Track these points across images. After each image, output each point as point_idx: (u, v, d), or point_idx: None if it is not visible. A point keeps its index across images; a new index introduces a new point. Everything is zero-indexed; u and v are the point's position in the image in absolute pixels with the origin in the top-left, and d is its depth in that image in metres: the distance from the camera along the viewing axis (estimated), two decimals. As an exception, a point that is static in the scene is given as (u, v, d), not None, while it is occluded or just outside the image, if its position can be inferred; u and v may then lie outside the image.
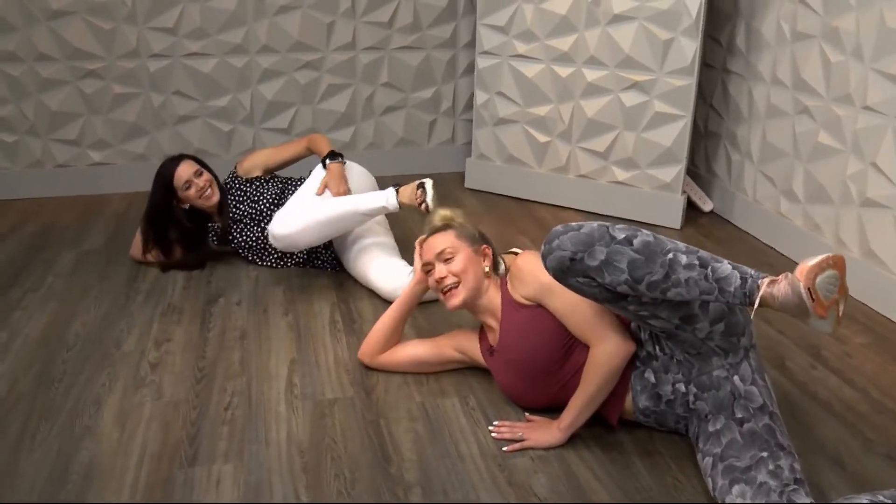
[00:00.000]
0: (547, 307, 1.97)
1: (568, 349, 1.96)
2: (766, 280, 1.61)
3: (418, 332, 2.51)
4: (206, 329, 2.53)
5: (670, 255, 1.66)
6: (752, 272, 1.64)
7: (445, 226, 2.16)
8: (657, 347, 1.91)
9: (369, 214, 2.68)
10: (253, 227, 2.95)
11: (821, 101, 2.94)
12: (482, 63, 3.68)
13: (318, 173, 2.86)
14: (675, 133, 3.34)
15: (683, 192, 3.45)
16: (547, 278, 1.92)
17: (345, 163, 2.91)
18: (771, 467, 1.65)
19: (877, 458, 1.95)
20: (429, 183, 2.60)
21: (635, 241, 1.67)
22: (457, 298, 2.05)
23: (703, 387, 1.86)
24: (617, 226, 1.71)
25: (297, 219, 2.61)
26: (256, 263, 3.02)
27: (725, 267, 1.65)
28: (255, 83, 3.77)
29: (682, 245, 1.70)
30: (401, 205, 2.65)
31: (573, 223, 1.73)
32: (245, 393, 2.17)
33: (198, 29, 3.62)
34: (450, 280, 2.06)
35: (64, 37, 3.50)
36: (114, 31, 3.54)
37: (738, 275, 1.63)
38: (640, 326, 1.94)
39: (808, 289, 1.52)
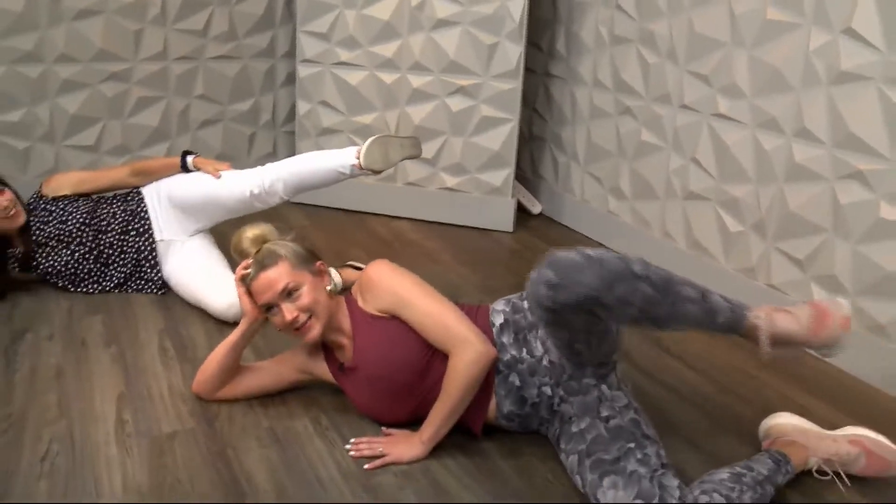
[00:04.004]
0: (402, 318, 1.87)
1: (429, 360, 1.87)
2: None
3: (256, 351, 2.33)
4: (12, 371, 2.20)
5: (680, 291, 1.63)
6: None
7: (273, 255, 1.91)
8: (524, 350, 1.86)
9: (343, 173, 2.66)
10: (61, 249, 2.63)
11: (641, 101, 3.06)
12: (303, 72, 3.55)
13: (185, 181, 2.72)
14: (503, 136, 3.36)
15: (513, 195, 3.49)
16: (399, 288, 1.85)
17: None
18: (639, 456, 1.66)
19: (727, 435, 2.03)
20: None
21: (654, 277, 1.59)
22: (314, 331, 1.89)
23: (572, 391, 1.84)
24: (633, 258, 1.60)
25: (280, 167, 2.65)
26: (69, 290, 2.69)
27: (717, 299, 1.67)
28: (53, 95, 3.41)
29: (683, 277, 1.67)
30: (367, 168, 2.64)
31: (585, 253, 1.56)
32: (66, 438, 1.90)
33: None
34: (302, 318, 1.88)
35: None
36: None
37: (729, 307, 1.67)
38: (506, 330, 1.89)
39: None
